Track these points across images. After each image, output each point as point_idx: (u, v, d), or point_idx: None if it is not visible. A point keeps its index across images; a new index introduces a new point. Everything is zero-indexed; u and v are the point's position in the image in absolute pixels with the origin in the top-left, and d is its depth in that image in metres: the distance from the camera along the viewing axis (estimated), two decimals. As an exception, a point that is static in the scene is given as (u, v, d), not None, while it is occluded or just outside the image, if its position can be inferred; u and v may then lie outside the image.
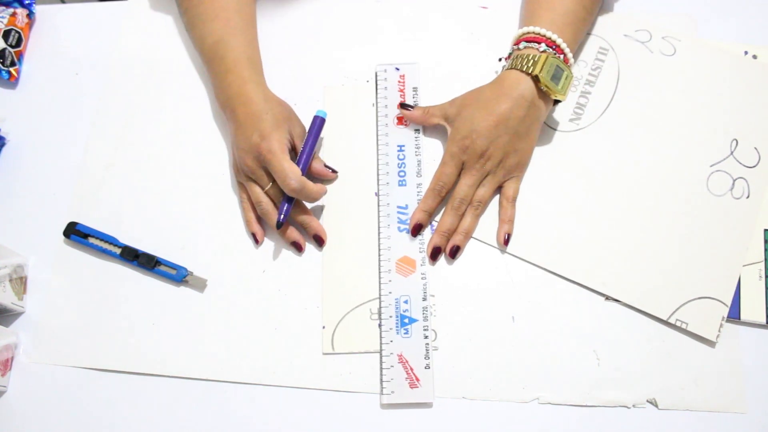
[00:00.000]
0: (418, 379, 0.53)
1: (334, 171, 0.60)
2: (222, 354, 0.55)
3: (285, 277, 0.57)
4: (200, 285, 0.57)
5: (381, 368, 0.53)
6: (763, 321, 0.54)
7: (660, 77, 0.62)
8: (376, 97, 0.63)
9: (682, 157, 0.59)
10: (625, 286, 0.55)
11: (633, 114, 0.61)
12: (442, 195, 0.57)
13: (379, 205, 0.58)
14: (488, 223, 0.58)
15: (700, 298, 0.54)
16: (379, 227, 0.58)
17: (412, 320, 0.54)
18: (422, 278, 0.56)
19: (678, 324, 0.54)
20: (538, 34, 0.56)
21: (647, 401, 0.52)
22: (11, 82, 0.67)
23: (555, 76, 0.55)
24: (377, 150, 0.61)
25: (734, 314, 0.54)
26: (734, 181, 0.58)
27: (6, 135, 0.64)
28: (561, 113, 0.62)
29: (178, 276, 0.57)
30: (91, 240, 0.59)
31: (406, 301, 0.55)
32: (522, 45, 0.57)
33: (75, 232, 0.59)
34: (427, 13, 0.67)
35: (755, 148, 0.59)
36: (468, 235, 0.57)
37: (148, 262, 0.57)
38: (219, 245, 0.59)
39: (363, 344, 0.54)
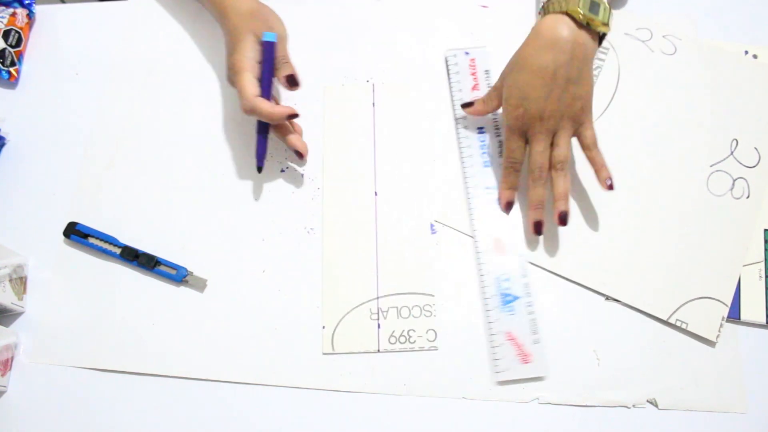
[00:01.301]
0: (529, 355, 0.53)
1: (297, 85, 0.57)
2: (222, 354, 0.55)
3: (285, 277, 0.57)
4: (200, 285, 0.57)
5: (490, 347, 0.53)
6: (763, 321, 0.54)
7: (660, 76, 0.62)
8: (449, 82, 0.63)
9: (682, 157, 0.59)
10: (625, 286, 0.55)
11: (633, 113, 0.61)
12: (518, 169, 0.56)
13: (468, 187, 0.58)
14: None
15: (700, 298, 0.54)
16: (469, 209, 0.58)
17: (515, 297, 0.54)
18: (520, 255, 0.56)
19: (678, 324, 0.54)
20: None
21: (647, 401, 0.52)
22: (11, 82, 0.67)
23: (593, 8, 0.52)
24: (457, 134, 0.61)
25: (734, 314, 0.54)
26: (734, 181, 0.58)
27: (6, 135, 0.64)
28: (561, 113, 0.61)
29: (178, 276, 0.57)
30: (91, 240, 0.59)
31: (506, 279, 0.55)
32: None
33: (75, 232, 0.59)
34: (426, 13, 0.67)
35: (755, 148, 0.59)
36: (567, 197, 0.54)
37: (148, 262, 0.57)
38: (219, 245, 0.59)
39: (363, 344, 0.54)
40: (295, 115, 0.55)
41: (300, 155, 0.58)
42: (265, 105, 0.53)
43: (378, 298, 0.55)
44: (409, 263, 0.57)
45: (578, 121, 0.54)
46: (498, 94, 0.57)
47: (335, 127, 0.62)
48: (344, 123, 0.62)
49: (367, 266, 0.57)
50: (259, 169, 0.58)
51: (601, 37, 0.55)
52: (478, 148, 0.60)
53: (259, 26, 0.56)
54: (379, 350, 0.54)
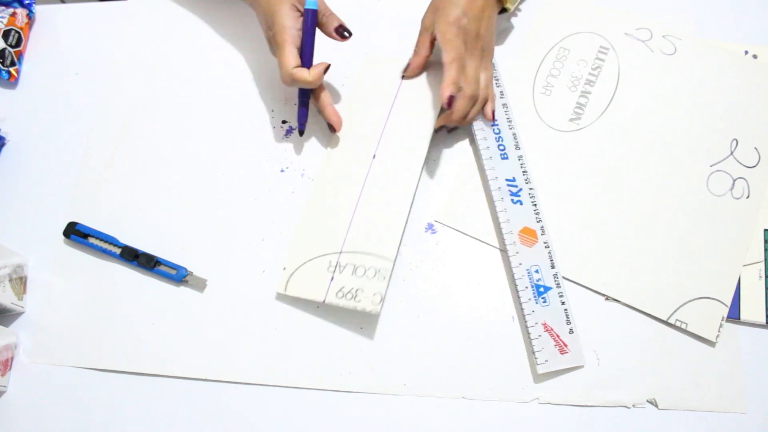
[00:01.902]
0: (566, 345, 0.53)
1: (347, 34, 0.58)
2: (222, 354, 0.55)
3: (285, 277, 0.57)
4: (200, 285, 0.57)
5: (529, 338, 0.53)
6: (763, 321, 0.54)
7: (660, 76, 0.62)
8: None
9: (682, 157, 0.59)
10: (625, 286, 0.55)
11: (633, 114, 0.61)
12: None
13: (488, 180, 0.58)
14: (488, 224, 0.58)
15: (700, 298, 0.54)
16: (493, 202, 0.58)
17: (547, 288, 0.55)
18: (546, 247, 0.56)
19: (678, 324, 0.54)
20: None
21: (647, 401, 0.52)
22: (11, 82, 0.67)
23: None
24: (471, 128, 0.61)
25: (734, 314, 0.54)
26: (734, 181, 0.58)
27: (6, 135, 0.64)
28: (561, 113, 0.61)
29: (178, 276, 0.57)
30: (91, 240, 0.59)
31: (537, 271, 0.55)
32: None
33: (75, 232, 0.59)
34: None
35: (755, 148, 0.59)
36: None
37: (147, 262, 0.57)
38: (219, 245, 0.59)
39: (311, 292, 0.54)
40: (328, 67, 0.57)
41: (333, 129, 0.60)
42: (302, 74, 0.55)
43: (341, 252, 0.56)
44: (381, 227, 0.56)
45: (490, 51, 0.60)
46: (426, 38, 0.59)
47: (357, 90, 0.63)
48: (367, 88, 0.63)
49: (342, 220, 0.57)
50: (301, 132, 0.60)
51: (502, 11, 0.61)
52: (494, 141, 0.60)
53: None
54: (324, 301, 0.54)
